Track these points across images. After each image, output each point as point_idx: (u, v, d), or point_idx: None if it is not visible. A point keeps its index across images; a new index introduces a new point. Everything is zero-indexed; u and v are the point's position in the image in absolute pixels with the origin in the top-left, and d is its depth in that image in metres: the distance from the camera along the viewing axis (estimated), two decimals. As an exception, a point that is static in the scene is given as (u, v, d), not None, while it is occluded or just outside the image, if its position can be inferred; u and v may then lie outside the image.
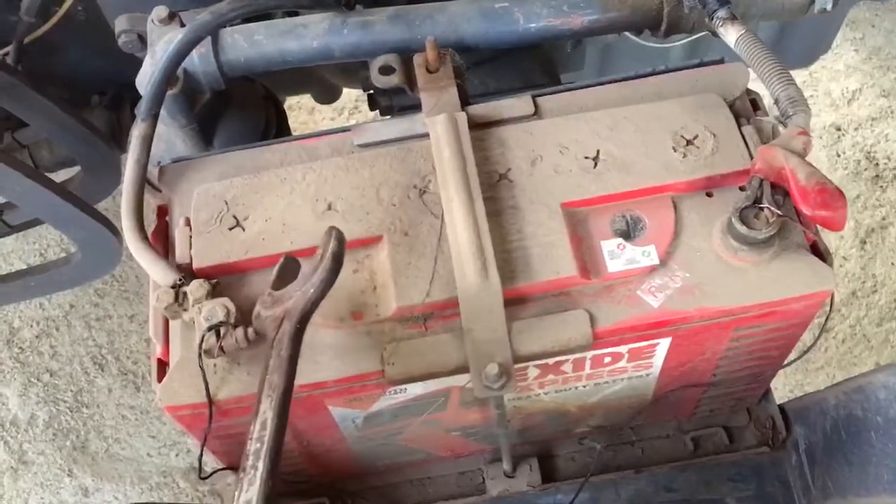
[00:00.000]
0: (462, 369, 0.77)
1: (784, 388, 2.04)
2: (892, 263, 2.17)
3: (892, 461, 0.80)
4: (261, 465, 0.66)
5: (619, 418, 1.02)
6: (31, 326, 2.15)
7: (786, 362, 0.96)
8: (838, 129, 2.38)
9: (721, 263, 0.80)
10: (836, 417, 0.89)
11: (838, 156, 2.33)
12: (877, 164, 2.31)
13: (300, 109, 2.53)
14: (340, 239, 0.72)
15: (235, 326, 0.76)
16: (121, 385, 2.07)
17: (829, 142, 2.36)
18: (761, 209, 0.77)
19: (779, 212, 0.77)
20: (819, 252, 0.82)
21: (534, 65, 1.20)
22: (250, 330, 0.76)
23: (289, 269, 0.75)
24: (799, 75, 2.46)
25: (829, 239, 2.22)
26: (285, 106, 2.49)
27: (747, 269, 0.79)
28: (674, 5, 0.94)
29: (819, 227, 0.81)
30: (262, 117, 1.10)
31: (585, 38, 1.31)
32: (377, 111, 1.17)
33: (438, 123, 0.85)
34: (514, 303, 0.79)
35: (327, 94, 1.44)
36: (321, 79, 1.35)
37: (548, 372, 0.86)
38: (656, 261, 0.80)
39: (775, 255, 0.79)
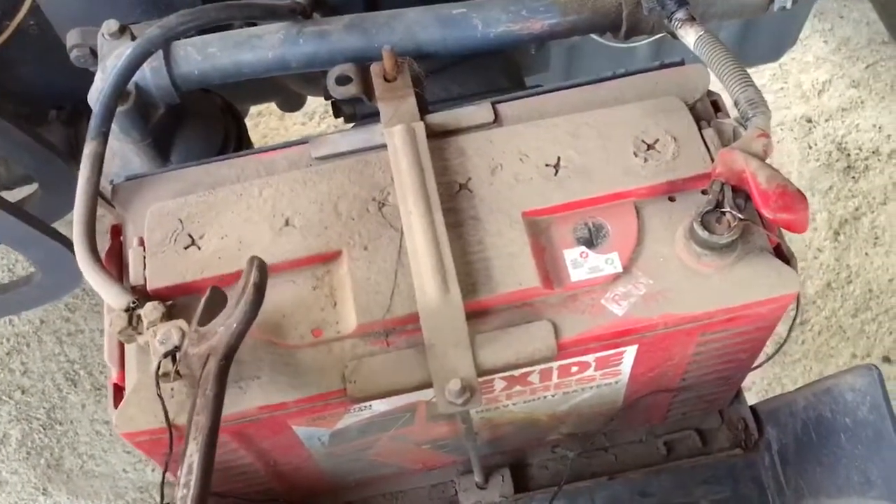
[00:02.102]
0: (425, 385, 0.76)
1: (762, 381, 2.04)
2: (866, 254, 2.18)
3: (861, 463, 0.80)
4: None
5: (590, 425, 1.01)
6: (1, 343, 2.11)
7: (755, 365, 0.95)
8: (809, 120, 2.39)
9: (684, 269, 0.79)
10: (805, 419, 0.89)
11: (810, 147, 2.34)
12: (848, 155, 2.32)
13: (270, 115, 2.50)
14: (262, 269, 0.70)
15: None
16: (94, 400, 2.04)
17: (800, 134, 2.37)
18: (723, 213, 0.76)
19: (740, 216, 0.76)
20: (783, 255, 0.81)
21: (498, 69, 1.18)
22: (207, 352, 0.74)
23: (215, 301, 0.73)
24: (769, 68, 2.49)
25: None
26: (253, 112, 2.47)
27: (711, 275, 0.78)
28: (632, 7, 0.93)
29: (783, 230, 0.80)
30: (221, 130, 1.08)
31: (549, 43, 1.30)
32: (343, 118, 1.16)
33: (396, 134, 0.83)
34: (477, 315, 0.78)
35: (291, 103, 1.42)
36: (284, 87, 1.33)
37: (514, 383, 0.84)
38: (620, 268, 0.79)
39: (738, 260, 0.79)
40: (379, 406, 0.82)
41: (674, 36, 0.91)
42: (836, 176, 2.29)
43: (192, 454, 0.64)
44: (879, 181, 2.27)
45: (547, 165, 0.83)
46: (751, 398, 2.03)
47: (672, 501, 1.03)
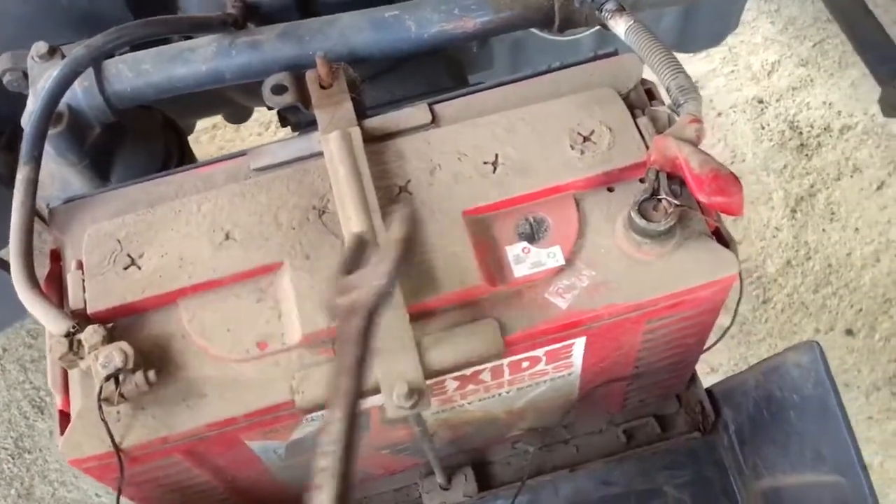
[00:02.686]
0: (374, 391, 0.76)
1: (729, 362, 2.06)
2: (823, 230, 2.21)
3: (811, 438, 0.81)
4: (328, 486, 0.57)
5: (549, 419, 1.01)
6: (-37, 375, 2.08)
7: (706, 347, 0.96)
8: (761, 101, 2.41)
9: (626, 258, 0.79)
10: (757, 398, 0.90)
11: (763, 128, 2.37)
12: (801, 133, 2.35)
13: (226, 127, 2.48)
14: (411, 218, 0.65)
15: (135, 370, 0.73)
16: (62, 426, 2.01)
17: (752, 115, 2.39)
18: (659, 201, 0.77)
19: (676, 202, 0.77)
20: (722, 238, 0.82)
21: (440, 68, 1.18)
22: (150, 373, 0.74)
23: (360, 248, 0.67)
24: (719, 51, 2.51)
25: (758, 210, 2.27)
26: (208, 125, 2.44)
27: (652, 262, 0.79)
28: (564, 1, 0.94)
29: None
30: (162, 147, 1.07)
31: (490, 38, 1.30)
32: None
33: (332, 141, 0.83)
34: (423, 317, 0.78)
35: (238, 115, 1.41)
36: (229, 100, 1.32)
37: (467, 383, 0.84)
38: (562, 261, 0.79)
39: (678, 246, 0.79)
40: (332, 414, 0.81)
41: (605, 27, 0.91)
42: (790, 154, 2.32)
43: (335, 421, 0.58)
44: (832, 157, 2.30)
45: (485, 163, 0.83)
46: (715, 379, 2.05)
47: (635, 489, 1.03)
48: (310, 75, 0.90)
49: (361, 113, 0.89)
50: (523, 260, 0.80)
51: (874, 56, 1.51)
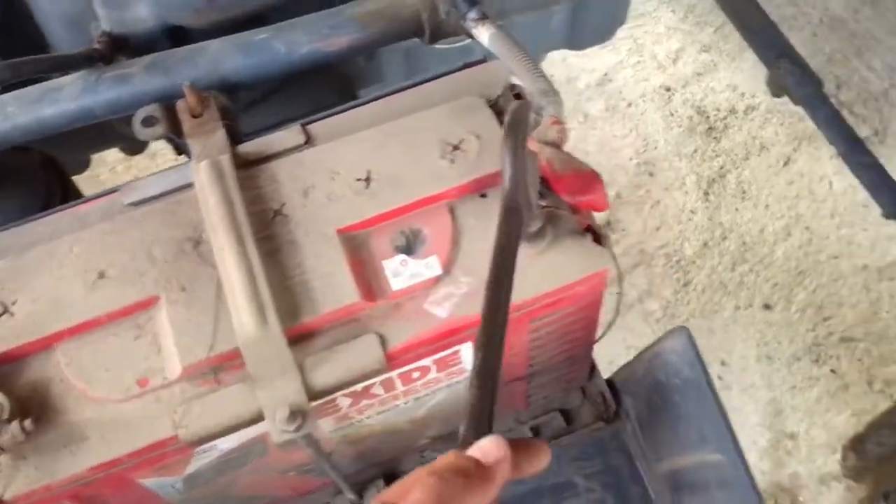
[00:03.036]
0: (260, 418, 0.76)
1: (655, 346, 2.10)
2: (736, 209, 2.27)
3: (694, 420, 0.83)
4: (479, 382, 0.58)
5: (455, 424, 1.02)
6: None
7: (597, 338, 0.98)
8: (668, 89, 2.47)
9: (501, 262, 0.80)
10: (647, 385, 0.92)
11: (671, 115, 2.42)
12: (708, 117, 2.41)
13: (141, 154, 2.45)
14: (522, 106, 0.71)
15: (10, 420, 0.72)
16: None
17: (661, 103, 2.45)
18: (527, 203, 0.79)
19: (542, 202, 0.79)
20: (597, 234, 0.84)
21: (327, 86, 1.19)
22: (27, 422, 0.73)
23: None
24: (624, 43, 2.56)
25: (673, 195, 2.32)
26: (120, 155, 2.40)
27: (525, 264, 0.80)
28: (430, 12, 0.95)
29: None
30: (42, 188, 1.05)
31: (379, 50, 1.31)
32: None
33: (201, 170, 0.82)
34: (303, 339, 0.78)
35: (133, 146, 1.39)
36: (120, 133, 1.30)
37: (360, 398, 0.85)
38: (439, 271, 0.80)
39: (550, 245, 0.81)
40: (224, 444, 0.81)
41: (470, 36, 0.92)
42: (700, 138, 2.38)
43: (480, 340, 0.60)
44: (739, 138, 2.37)
45: (358, 180, 0.84)
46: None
47: (547, 483, 1.05)
48: (180, 105, 0.89)
49: (236, 139, 0.89)
50: (401, 273, 0.81)
51: (759, 39, 1.55)
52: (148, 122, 0.90)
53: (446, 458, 0.53)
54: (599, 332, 0.96)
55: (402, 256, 0.81)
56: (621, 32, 2.57)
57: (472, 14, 0.91)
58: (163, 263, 0.81)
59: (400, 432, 0.98)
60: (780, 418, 2.00)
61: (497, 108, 0.88)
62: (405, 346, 0.79)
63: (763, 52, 1.54)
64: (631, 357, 1.86)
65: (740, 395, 2.03)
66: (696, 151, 2.36)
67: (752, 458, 1.96)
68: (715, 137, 2.38)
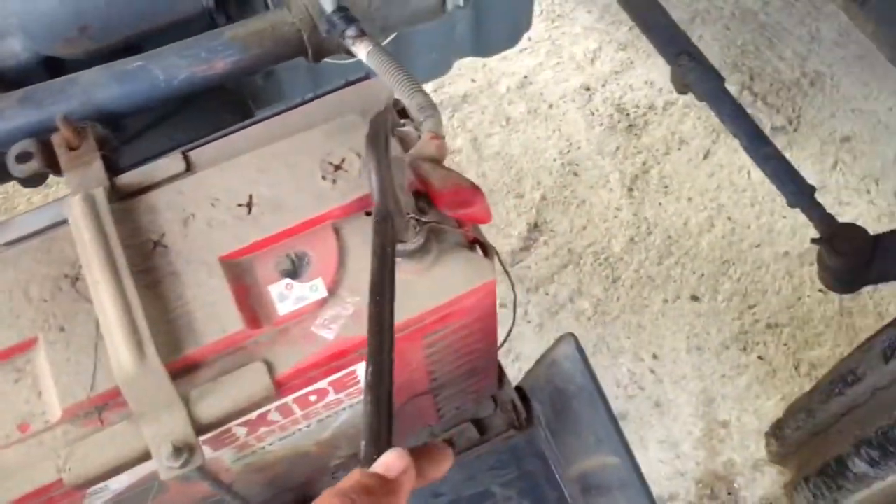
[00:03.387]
0: (148, 455, 0.74)
1: (588, 345, 2.12)
2: (660, 203, 2.30)
3: (590, 423, 0.84)
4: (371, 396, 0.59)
5: (366, 442, 1.01)
6: None
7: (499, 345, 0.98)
8: (587, 88, 2.50)
9: (387, 280, 0.80)
10: (550, 391, 0.93)
11: (592, 114, 2.45)
12: (628, 115, 2.44)
13: (58, 184, 2.39)
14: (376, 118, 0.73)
15: None
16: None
17: (581, 103, 2.48)
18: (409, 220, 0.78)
19: (423, 219, 0.78)
20: (483, 245, 0.84)
21: (221, 107, 1.17)
22: None
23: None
24: (543, 45, 2.59)
25: (598, 194, 2.35)
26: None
27: (412, 280, 0.80)
28: (311, 31, 0.94)
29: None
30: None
31: (278, 68, 1.30)
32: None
33: (74, 205, 0.81)
34: (187, 372, 0.77)
35: (33, 179, 1.35)
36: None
37: (257, 426, 0.84)
38: (325, 293, 0.80)
39: (436, 261, 0.81)
40: (116, 485, 0.79)
41: (350, 53, 0.92)
42: (621, 136, 2.41)
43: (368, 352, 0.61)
44: (659, 133, 2.41)
45: (239, 205, 0.83)
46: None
47: (464, 494, 1.05)
48: (55, 138, 0.87)
49: (115, 169, 0.87)
50: (287, 297, 0.80)
51: (660, 37, 1.58)
52: (22, 157, 0.88)
53: (350, 479, 0.54)
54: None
55: (288, 280, 0.81)
56: (539, 34, 2.61)
57: (351, 31, 0.91)
58: (40, 303, 0.78)
59: (307, 455, 0.97)
60: (712, 407, 2.04)
61: (379, 125, 0.88)
62: (294, 371, 0.78)
63: (664, 50, 1.57)
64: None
65: (672, 387, 2.06)
66: (618, 149, 2.39)
67: (686, 447, 1.99)
68: (636, 134, 2.41)
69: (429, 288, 0.80)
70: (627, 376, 2.08)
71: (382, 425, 0.58)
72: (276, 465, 0.96)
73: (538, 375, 0.97)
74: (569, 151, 2.39)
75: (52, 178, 0.96)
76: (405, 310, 0.79)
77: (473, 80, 2.53)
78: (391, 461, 0.54)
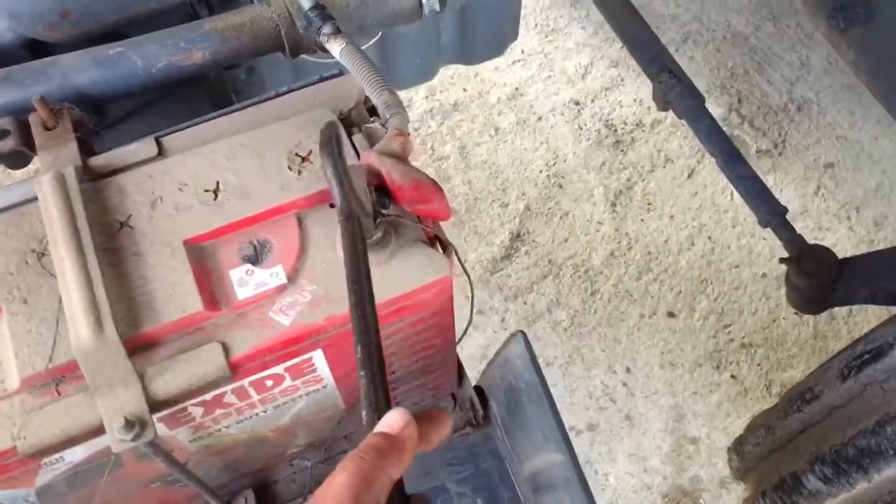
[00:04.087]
0: (102, 428, 0.76)
1: (563, 355, 2.15)
2: (642, 220, 2.33)
3: (537, 421, 0.86)
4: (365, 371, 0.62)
5: (324, 432, 1.03)
6: None
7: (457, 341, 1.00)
8: (577, 103, 2.53)
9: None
10: (504, 389, 0.95)
11: (580, 128, 2.48)
12: (615, 131, 2.47)
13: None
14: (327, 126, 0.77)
15: None
16: None
17: (570, 117, 2.50)
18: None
19: (383, 212, 0.81)
20: (442, 242, 0.86)
21: (203, 99, 1.19)
22: None
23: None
24: (535, 58, 2.62)
25: (582, 207, 2.37)
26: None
27: (371, 272, 0.82)
28: (289, 27, 0.97)
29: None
30: None
31: (261, 64, 1.33)
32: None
33: (45, 182, 0.83)
34: (145, 349, 0.79)
35: (16, 160, 1.37)
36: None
37: (213, 407, 0.86)
38: (284, 280, 0.82)
39: (393, 254, 0.83)
40: (72, 456, 0.81)
41: (325, 50, 0.95)
42: (607, 151, 2.44)
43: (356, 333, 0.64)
44: (645, 150, 2.44)
45: (206, 191, 0.85)
46: (553, 372, 2.13)
47: (420, 488, 1.07)
48: (32, 118, 0.89)
49: (89, 151, 0.89)
50: (247, 282, 0.82)
51: (643, 54, 1.61)
52: (-1, 134, 0.90)
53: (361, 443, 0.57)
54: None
55: (249, 266, 0.83)
56: (532, 48, 2.64)
57: (326, 29, 0.93)
58: (5, 275, 0.80)
59: (265, 441, 0.99)
60: (682, 423, 2.05)
61: (349, 121, 0.91)
62: (249, 353, 0.80)
63: (647, 67, 1.60)
64: (541, 368, 1.89)
65: (644, 401, 2.08)
66: (603, 164, 2.42)
67: (654, 462, 2.00)
68: (622, 150, 2.44)
69: (385, 280, 0.82)
70: (600, 388, 2.10)
71: (380, 396, 0.62)
72: (233, 449, 0.97)
73: (494, 373, 0.99)
74: (555, 164, 2.42)
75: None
76: (360, 301, 0.81)
77: (465, 89, 2.56)
78: (392, 419, 0.58)
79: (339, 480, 0.52)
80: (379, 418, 0.59)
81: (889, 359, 1.12)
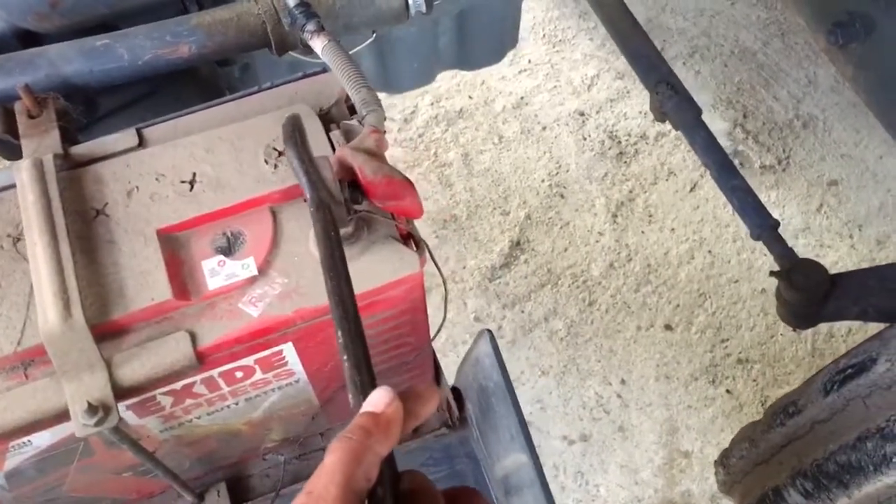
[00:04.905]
0: (67, 413, 0.77)
1: (558, 364, 2.14)
2: (642, 232, 2.32)
3: (504, 421, 0.86)
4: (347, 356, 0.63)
5: (299, 428, 1.04)
6: None
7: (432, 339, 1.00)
8: (582, 114, 2.53)
9: (316, 264, 0.82)
10: (476, 390, 0.95)
11: (584, 139, 2.48)
12: (619, 142, 2.47)
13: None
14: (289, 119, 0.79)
15: None
16: None
17: (574, 127, 2.50)
18: (341, 209, 0.81)
19: (356, 207, 0.81)
20: (414, 239, 0.86)
21: (194, 94, 1.21)
22: None
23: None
24: (542, 68, 2.62)
25: (582, 217, 2.37)
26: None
27: (339, 267, 0.82)
28: (274, 24, 0.98)
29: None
30: None
31: (255, 62, 1.34)
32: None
33: (23, 169, 0.84)
34: (113, 336, 0.79)
35: (12, 150, 1.39)
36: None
37: (183, 396, 0.86)
38: (255, 272, 0.82)
39: (364, 249, 0.83)
40: (40, 441, 0.82)
41: (308, 47, 0.95)
42: (610, 162, 2.44)
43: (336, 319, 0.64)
44: (648, 163, 2.43)
45: (182, 182, 0.86)
46: (548, 381, 2.12)
47: (393, 489, 1.06)
48: (17, 106, 0.91)
49: (71, 140, 0.91)
50: (218, 273, 0.82)
51: (641, 64, 1.61)
52: (-16, 121, 0.91)
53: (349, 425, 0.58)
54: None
55: (221, 257, 0.83)
56: (539, 57, 2.64)
57: (310, 26, 0.94)
58: (-20, 259, 0.82)
59: (239, 434, 0.99)
60: (676, 437, 2.04)
61: (329, 118, 0.91)
62: (217, 343, 0.80)
63: (645, 77, 1.60)
64: (536, 376, 1.89)
65: (638, 413, 2.07)
66: (606, 175, 2.42)
67: (646, 474, 1.99)
68: (625, 162, 2.44)
69: (354, 275, 0.82)
70: (594, 399, 2.09)
71: (364, 378, 0.62)
72: (205, 441, 0.98)
73: (467, 374, 0.99)
74: (557, 174, 2.42)
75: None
76: (325, 295, 0.82)
77: (470, 97, 2.57)
78: (377, 398, 0.58)
79: (330, 461, 0.53)
80: (364, 400, 0.60)
81: (872, 374, 1.11)
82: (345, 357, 0.63)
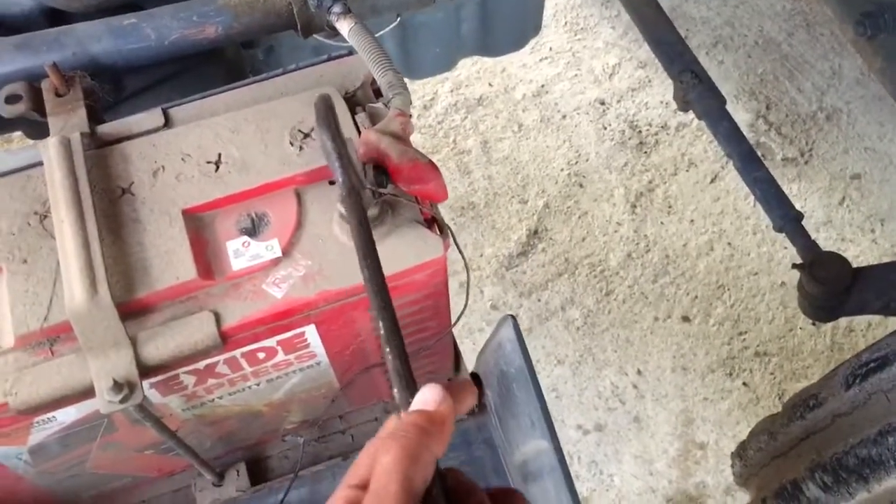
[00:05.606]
0: (92, 390, 0.77)
1: (574, 353, 2.14)
2: (661, 223, 2.31)
3: (525, 407, 0.86)
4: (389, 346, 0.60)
5: (318, 411, 1.04)
6: None
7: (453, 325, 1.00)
8: (602, 103, 2.51)
9: (339, 247, 0.83)
10: (497, 375, 0.95)
11: (605, 128, 2.46)
12: (640, 132, 2.45)
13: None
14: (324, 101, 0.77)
15: None
16: None
17: (595, 116, 2.49)
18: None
19: (381, 191, 0.81)
20: (438, 223, 0.86)
21: (220, 76, 1.21)
22: None
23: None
24: (563, 56, 2.61)
25: (601, 207, 2.36)
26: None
27: (364, 249, 0.82)
28: (301, 6, 0.98)
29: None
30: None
31: (280, 44, 1.34)
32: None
33: (50, 146, 0.84)
34: (139, 314, 0.80)
35: (37, 130, 1.40)
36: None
37: (205, 376, 0.87)
38: (279, 253, 0.83)
39: (389, 232, 0.83)
40: (65, 416, 0.83)
41: (334, 29, 0.95)
42: (630, 152, 2.43)
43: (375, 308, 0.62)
44: (669, 153, 2.42)
45: (208, 163, 0.86)
46: (563, 371, 2.12)
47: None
48: (45, 84, 0.91)
49: (97, 119, 0.91)
50: (242, 254, 0.83)
51: (666, 53, 1.60)
52: (11, 99, 0.92)
53: (393, 422, 0.55)
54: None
55: (245, 238, 0.84)
56: (561, 45, 2.63)
57: (336, 8, 0.94)
58: (8, 236, 0.82)
59: (259, 415, 1.00)
60: (691, 428, 2.03)
61: (354, 101, 0.91)
62: (240, 324, 0.81)
63: (669, 66, 1.59)
64: (552, 365, 1.88)
65: (653, 404, 2.06)
66: (626, 165, 2.40)
67: (661, 465, 1.99)
68: (645, 152, 2.42)
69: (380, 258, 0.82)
70: (610, 389, 2.09)
71: (406, 367, 0.60)
72: (226, 422, 0.98)
73: (487, 361, 0.99)
74: (577, 163, 2.41)
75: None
76: (349, 278, 0.82)
77: (490, 84, 2.55)
78: (429, 396, 0.55)
79: (387, 460, 0.50)
80: (411, 395, 0.57)
81: (894, 368, 1.10)
82: (387, 349, 0.60)
